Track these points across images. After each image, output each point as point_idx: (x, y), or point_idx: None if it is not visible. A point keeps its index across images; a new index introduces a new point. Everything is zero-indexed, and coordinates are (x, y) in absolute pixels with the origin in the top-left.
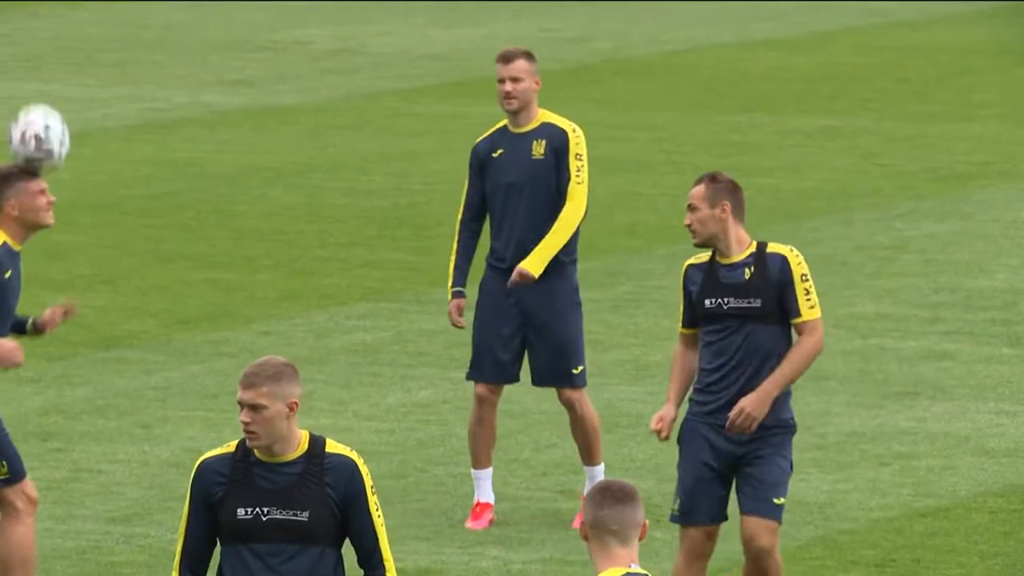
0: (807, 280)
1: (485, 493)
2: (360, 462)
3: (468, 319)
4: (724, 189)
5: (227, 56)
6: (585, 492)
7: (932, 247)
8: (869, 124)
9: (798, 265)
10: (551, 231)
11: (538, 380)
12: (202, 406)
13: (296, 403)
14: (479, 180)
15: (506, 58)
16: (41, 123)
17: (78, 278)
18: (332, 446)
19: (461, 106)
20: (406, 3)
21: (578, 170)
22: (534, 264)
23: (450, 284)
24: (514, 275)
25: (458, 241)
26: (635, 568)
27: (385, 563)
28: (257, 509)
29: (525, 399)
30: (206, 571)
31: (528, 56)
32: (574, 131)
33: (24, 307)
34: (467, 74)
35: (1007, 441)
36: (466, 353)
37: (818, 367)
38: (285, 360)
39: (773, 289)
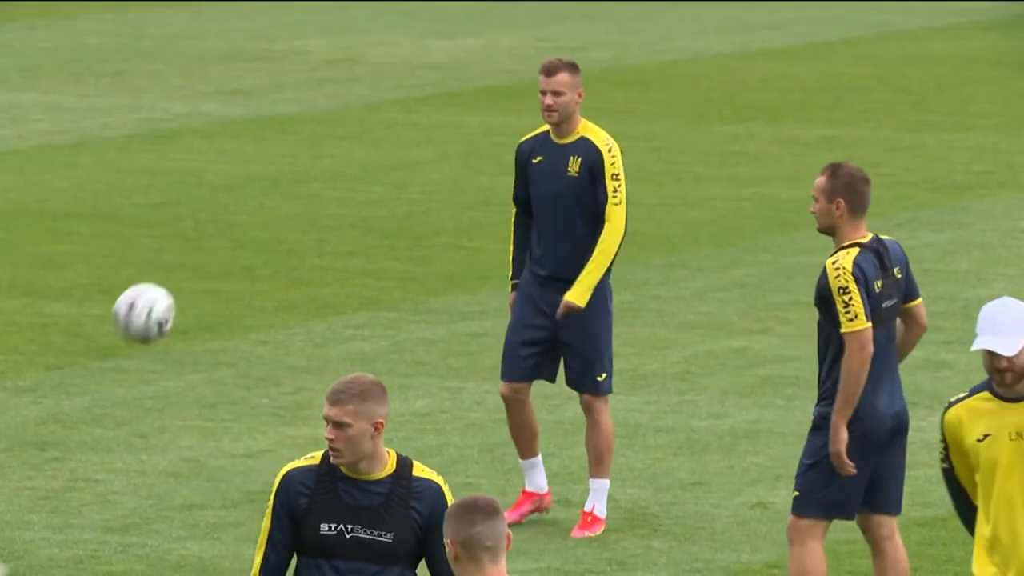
0: (844, 292)
1: (530, 482)
2: (446, 488)
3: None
4: (841, 186)
5: (226, 66)
6: (593, 507)
7: (930, 256)
8: (867, 134)
9: (835, 278)
10: (593, 257)
11: (568, 382)
12: (200, 416)
13: (382, 423)
14: (522, 179)
15: (548, 71)
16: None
17: (76, 287)
18: (419, 469)
19: (460, 116)
20: (405, 13)
21: (615, 190)
22: (579, 294)
23: (510, 277)
24: (561, 308)
25: (512, 237)
26: None
27: None
28: (341, 526)
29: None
30: None
31: (571, 68)
32: (609, 151)
33: (21, 316)
34: (466, 84)
35: None
36: (463, 363)
37: (815, 376)
38: (374, 378)
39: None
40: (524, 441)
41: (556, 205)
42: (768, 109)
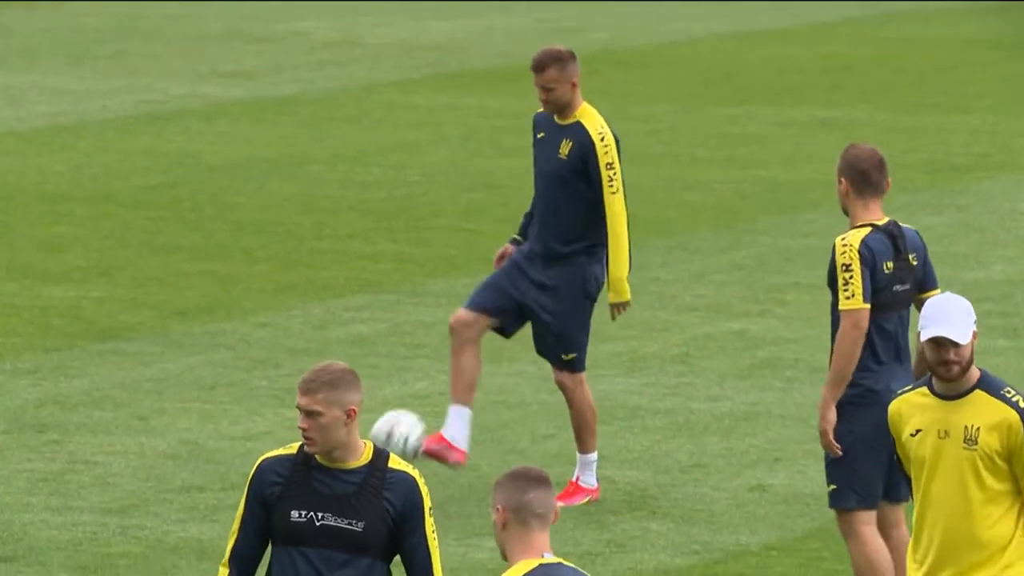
0: (846, 270)
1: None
2: (421, 481)
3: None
4: (845, 165)
5: (224, 47)
6: (577, 478)
7: (929, 239)
8: (866, 116)
9: (841, 254)
10: (611, 254)
11: (539, 350)
12: (199, 398)
13: (355, 410)
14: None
15: (537, 68)
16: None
17: (74, 270)
18: (395, 461)
19: (458, 97)
20: None
21: (610, 180)
22: (619, 289)
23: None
24: (618, 312)
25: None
26: (549, 557)
27: None
28: (311, 513)
29: (522, 390)
30: (254, 572)
31: (559, 62)
32: (602, 139)
33: (20, 298)
34: (464, 65)
35: None
36: None
37: (814, 359)
38: (345, 366)
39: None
40: (456, 382)
41: (546, 184)
42: (767, 91)
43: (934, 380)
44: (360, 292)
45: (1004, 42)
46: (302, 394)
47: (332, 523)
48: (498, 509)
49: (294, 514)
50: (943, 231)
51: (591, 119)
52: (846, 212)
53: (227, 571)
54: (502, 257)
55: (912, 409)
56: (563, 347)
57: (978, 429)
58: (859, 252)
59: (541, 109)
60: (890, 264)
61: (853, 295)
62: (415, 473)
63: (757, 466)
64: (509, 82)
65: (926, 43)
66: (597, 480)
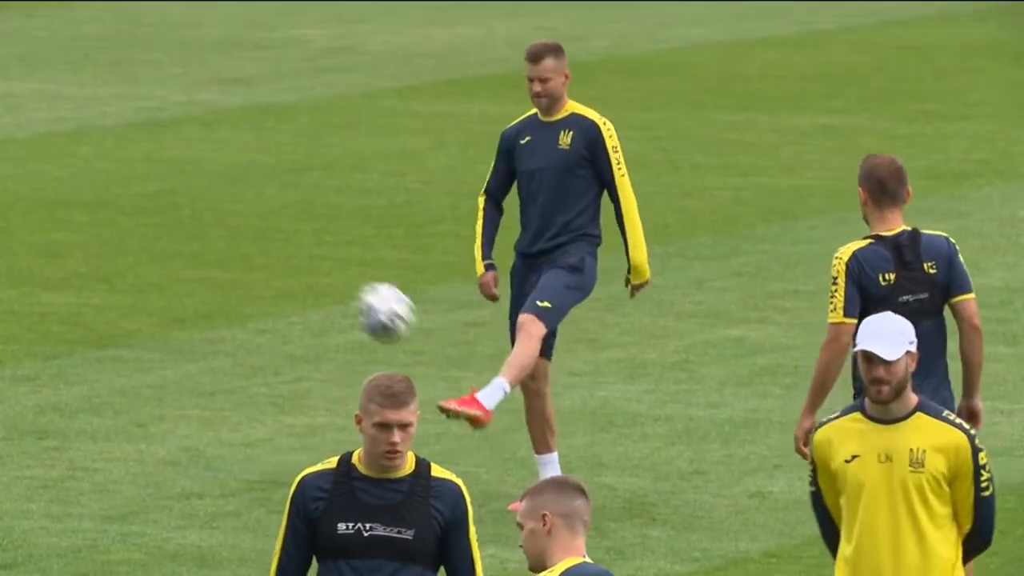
0: (833, 283)
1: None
2: (465, 489)
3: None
4: (863, 175)
5: (224, 54)
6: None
7: None
8: (866, 123)
9: (832, 267)
10: (628, 237)
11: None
12: (198, 404)
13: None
14: (504, 165)
15: (534, 57)
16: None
17: (74, 276)
18: (437, 470)
19: (458, 104)
20: (403, 2)
21: (618, 162)
22: (640, 271)
23: (479, 258)
24: (638, 288)
25: (481, 222)
26: (589, 559)
27: None
28: (359, 524)
29: (520, 397)
30: None
31: (555, 52)
32: (604, 124)
33: (19, 305)
34: (464, 72)
35: (1002, 440)
36: (461, 352)
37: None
38: (402, 374)
39: None
40: (538, 433)
41: (540, 181)
42: (766, 98)
43: (867, 404)
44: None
45: (1003, 49)
46: (394, 408)
47: (381, 533)
48: (544, 516)
49: (341, 526)
50: None
51: (586, 110)
52: (866, 222)
53: None
54: (495, 283)
55: (843, 435)
56: (540, 295)
57: (924, 451)
58: (846, 265)
59: (514, 122)
60: (890, 276)
61: (835, 308)
62: (459, 481)
63: (757, 473)
64: (509, 89)
65: (925, 50)
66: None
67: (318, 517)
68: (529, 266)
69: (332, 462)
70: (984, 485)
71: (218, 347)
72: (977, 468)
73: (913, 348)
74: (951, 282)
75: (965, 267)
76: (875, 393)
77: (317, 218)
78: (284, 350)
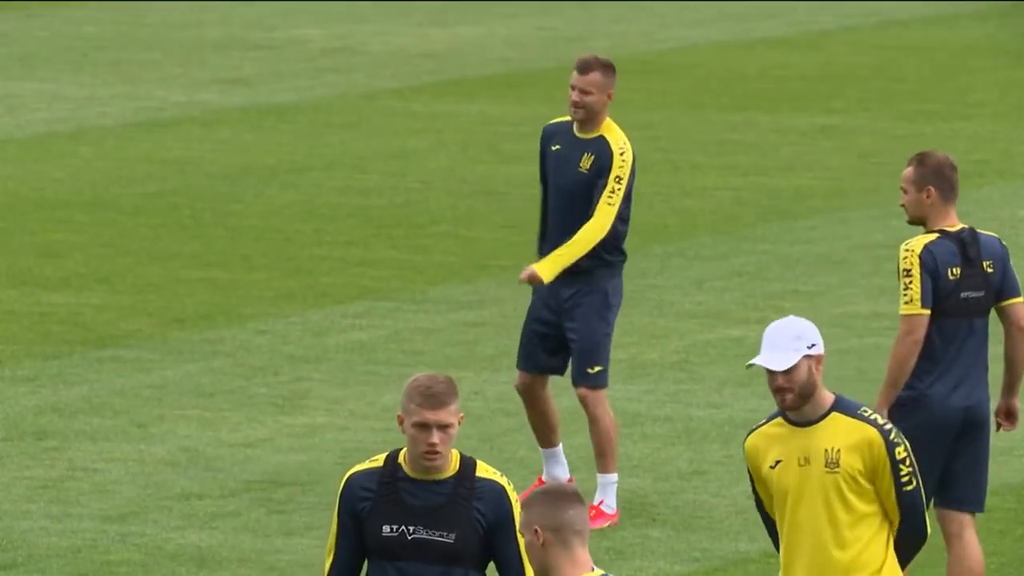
0: (907, 275)
1: (546, 472)
2: (510, 488)
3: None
4: (931, 173)
5: (224, 54)
6: (601, 502)
7: None
8: (865, 123)
9: (903, 259)
10: (570, 241)
11: (573, 372)
12: (198, 405)
13: (463, 417)
14: (543, 162)
15: (583, 68)
16: None
17: (74, 276)
18: (483, 469)
19: (457, 104)
20: (403, 2)
21: (612, 192)
22: (546, 269)
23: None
24: (525, 272)
25: (541, 211)
26: (597, 570)
27: None
28: (402, 527)
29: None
30: None
31: (606, 69)
32: (621, 154)
33: (19, 305)
34: (464, 73)
35: (1001, 440)
36: (461, 352)
37: None
38: (442, 374)
39: None
40: (540, 432)
41: (566, 198)
42: (766, 98)
43: (777, 405)
44: (359, 299)
45: (1003, 49)
46: (432, 408)
47: (424, 536)
48: (535, 530)
49: (385, 528)
50: None
51: (614, 134)
52: (920, 221)
53: None
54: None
55: (768, 442)
56: (588, 360)
57: (839, 451)
58: (920, 257)
59: (557, 120)
60: (956, 270)
61: (912, 300)
62: (504, 481)
63: None
64: (509, 89)
65: (925, 50)
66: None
67: (365, 517)
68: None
69: (379, 460)
70: (905, 479)
71: (218, 347)
72: (895, 463)
73: (815, 351)
74: (1004, 285)
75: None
76: (779, 402)
77: (317, 218)
78: (284, 350)
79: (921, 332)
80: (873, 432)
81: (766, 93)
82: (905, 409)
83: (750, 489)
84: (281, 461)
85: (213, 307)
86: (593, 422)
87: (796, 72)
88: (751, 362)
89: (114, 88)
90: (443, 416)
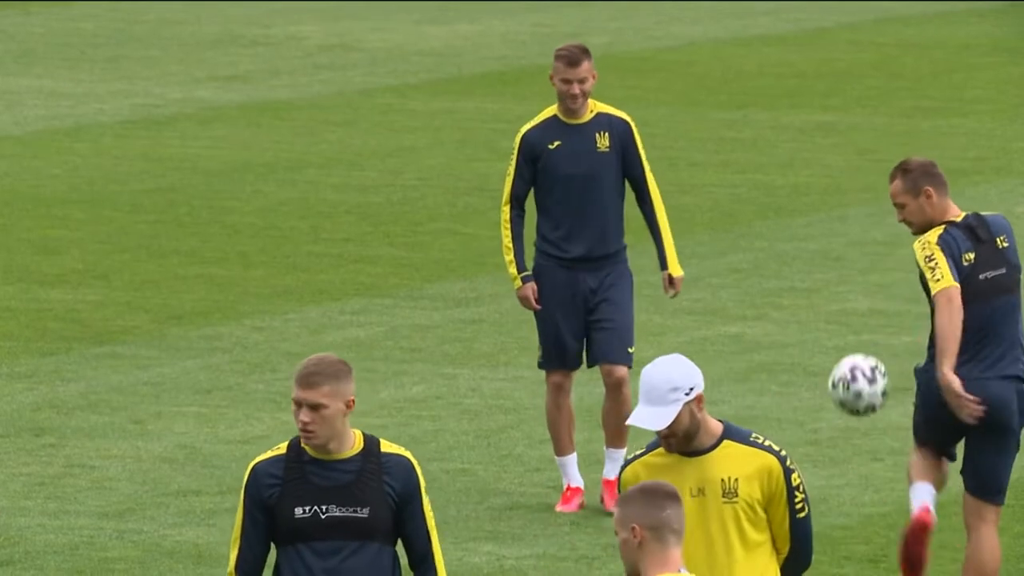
0: (929, 260)
1: (574, 478)
2: (415, 462)
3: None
4: (921, 175)
5: (221, 51)
6: (610, 475)
7: None
8: (863, 120)
9: (921, 251)
10: (663, 227)
11: (598, 357)
12: (195, 401)
13: (353, 400)
14: (530, 171)
15: (572, 61)
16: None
17: (71, 273)
18: (387, 445)
19: (454, 102)
20: (401, 1)
21: (646, 159)
22: (678, 265)
23: (516, 272)
24: (678, 285)
25: (512, 231)
26: (685, 572)
27: (437, 564)
28: (315, 507)
29: (519, 395)
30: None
31: (588, 54)
32: (632, 122)
33: (17, 302)
34: (461, 70)
35: None
36: (458, 349)
37: (810, 363)
38: (338, 357)
39: None
40: (568, 433)
41: (586, 184)
42: (764, 95)
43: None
44: (356, 296)
45: (1001, 46)
46: (304, 388)
47: (338, 514)
48: (633, 528)
49: (298, 511)
50: None
51: (610, 107)
52: (928, 226)
53: None
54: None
55: (651, 472)
56: (627, 340)
57: (736, 480)
58: (937, 243)
59: (533, 123)
60: (970, 255)
61: (942, 276)
62: (409, 454)
63: None
64: (506, 86)
65: (923, 47)
66: None
67: (274, 504)
68: (566, 268)
69: (282, 448)
70: (799, 507)
71: (215, 344)
72: (791, 490)
73: (694, 393)
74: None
75: None
76: (666, 446)
77: (314, 215)
78: (281, 347)
79: (958, 300)
80: (771, 459)
81: (764, 90)
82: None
83: None
84: None
85: (210, 304)
86: (625, 401)
87: (794, 69)
88: (629, 422)
89: (111, 85)
90: (311, 396)
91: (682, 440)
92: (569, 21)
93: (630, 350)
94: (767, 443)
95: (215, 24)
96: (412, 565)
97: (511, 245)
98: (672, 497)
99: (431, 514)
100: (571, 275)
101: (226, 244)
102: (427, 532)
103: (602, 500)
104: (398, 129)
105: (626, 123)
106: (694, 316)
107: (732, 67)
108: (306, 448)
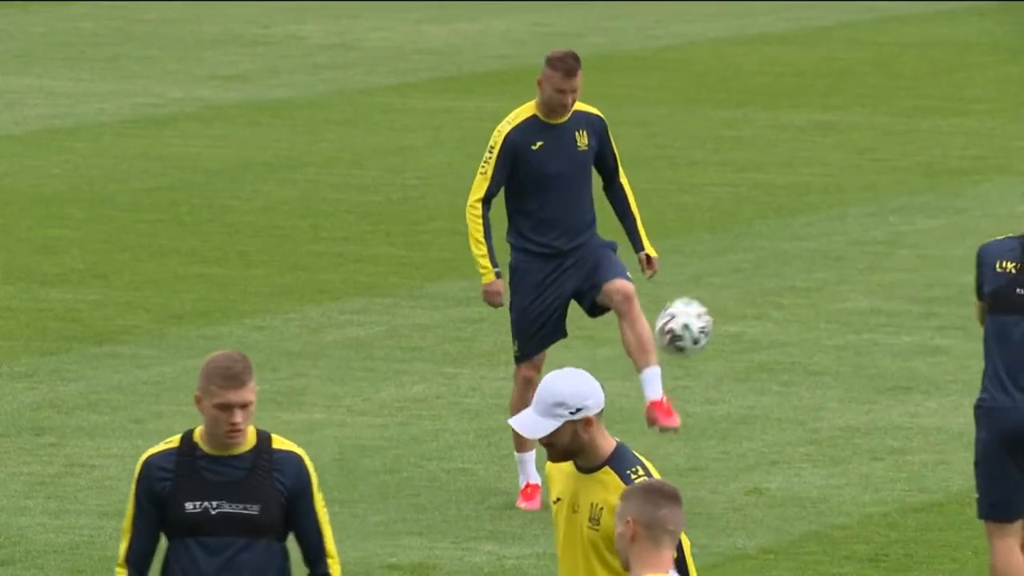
0: None
1: (532, 475)
2: (306, 457)
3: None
4: None
5: (221, 51)
6: (660, 395)
7: (926, 242)
8: (863, 119)
9: None
10: (635, 210)
11: (600, 282)
12: None
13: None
14: (508, 170)
15: (570, 72)
16: (680, 323)
17: (71, 272)
18: (278, 441)
19: (455, 101)
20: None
21: (619, 159)
22: (650, 247)
23: (490, 265)
24: (655, 265)
25: (483, 226)
26: (674, 575)
27: (330, 557)
28: (206, 503)
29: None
30: (149, 568)
31: (580, 62)
32: (604, 117)
33: (17, 301)
34: (461, 69)
35: None
36: (459, 348)
37: (811, 362)
38: (238, 352)
39: None
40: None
41: (568, 181)
42: (763, 94)
43: None
44: (357, 295)
45: (1001, 45)
46: (236, 388)
47: (228, 510)
48: (628, 521)
49: (188, 506)
50: (940, 234)
51: (584, 104)
52: None
53: (125, 572)
54: (497, 293)
55: (558, 475)
56: (624, 267)
57: (602, 509)
58: (977, 254)
59: (514, 123)
60: (1008, 264)
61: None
62: (300, 451)
63: (754, 469)
64: (506, 85)
65: (923, 46)
66: None
67: (165, 497)
68: (547, 259)
69: (174, 441)
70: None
71: (215, 343)
72: None
73: (582, 415)
74: None
75: None
76: (548, 455)
77: (314, 214)
78: (281, 346)
79: (978, 322)
80: None
81: (763, 89)
82: (977, 419)
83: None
84: None
85: (211, 303)
86: (637, 317)
87: (794, 68)
88: (509, 421)
89: (111, 84)
90: (244, 395)
91: (561, 454)
92: (569, 20)
93: (628, 274)
94: (638, 480)
95: (215, 24)
96: (307, 561)
97: (483, 240)
98: (672, 498)
99: (324, 509)
100: (554, 263)
101: (226, 243)
102: (319, 528)
103: (655, 421)
104: (398, 128)
105: (601, 120)
106: None
107: (732, 66)
108: (199, 443)
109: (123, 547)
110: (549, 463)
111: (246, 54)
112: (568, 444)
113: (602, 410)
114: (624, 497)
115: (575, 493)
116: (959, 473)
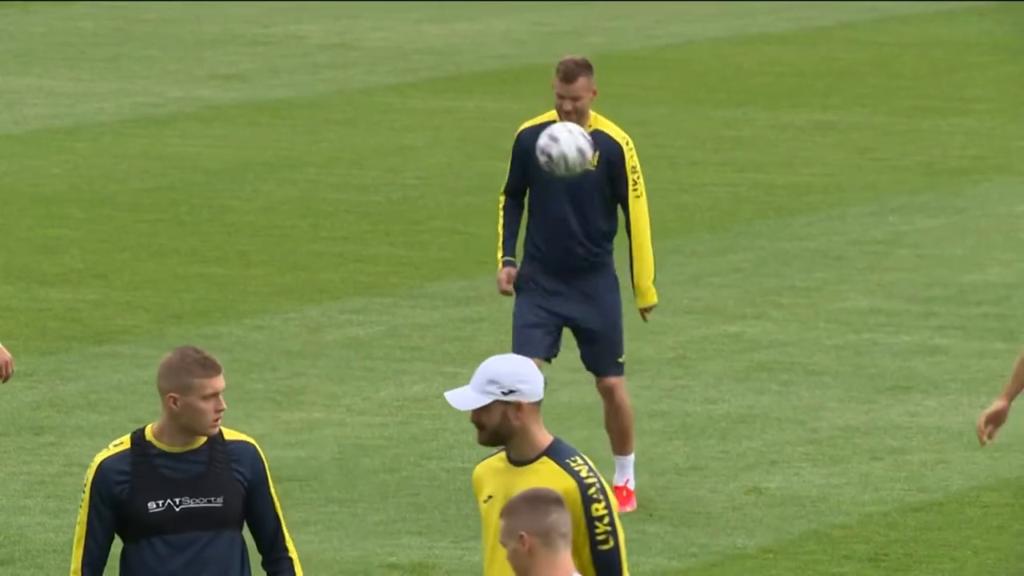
0: None
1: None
2: (259, 446)
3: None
4: None
5: (220, 51)
6: (623, 480)
7: (925, 242)
8: (863, 119)
9: None
10: (635, 261)
11: (588, 367)
12: None
13: None
14: (521, 168)
15: (568, 77)
16: (558, 151)
17: (71, 272)
18: (229, 433)
19: (455, 100)
20: None
21: (635, 183)
22: (647, 297)
23: (500, 256)
24: (645, 315)
25: (505, 218)
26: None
27: (288, 545)
28: (169, 500)
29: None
30: (103, 571)
31: (587, 70)
32: (627, 144)
33: (16, 301)
34: (461, 69)
35: (1000, 435)
36: (458, 348)
37: (810, 361)
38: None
39: None
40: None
41: (574, 189)
42: (763, 94)
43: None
44: (356, 295)
45: (1001, 45)
46: (217, 374)
47: (193, 505)
48: (521, 536)
49: (151, 505)
50: (940, 234)
51: (610, 126)
52: None
53: None
54: (510, 280)
55: (488, 474)
56: (617, 350)
57: None
58: None
59: (533, 123)
60: None
61: None
62: (253, 441)
63: (754, 469)
64: (506, 85)
65: (923, 46)
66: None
67: (124, 500)
68: (546, 273)
69: (125, 442)
70: (602, 538)
71: (215, 343)
72: (591, 519)
73: (514, 398)
74: None
75: None
76: (478, 438)
77: (314, 214)
78: (281, 346)
79: None
80: (572, 484)
81: (763, 89)
82: None
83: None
84: (278, 457)
85: (210, 303)
86: (620, 408)
87: (793, 68)
88: (446, 393)
89: (111, 84)
90: (222, 381)
91: (489, 437)
92: (569, 20)
93: (620, 360)
94: (578, 468)
95: (215, 23)
96: (263, 549)
97: (502, 231)
98: (556, 502)
99: (277, 497)
100: (553, 280)
101: (226, 243)
102: (276, 514)
103: None
104: (398, 128)
105: (619, 146)
106: (694, 315)
107: (732, 66)
108: (152, 441)
109: (78, 554)
110: (477, 468)
111: (246, 54)
112: (497, 426)
113: (539, 401)
114: (507, 513)
115: (508, 487)
116: (959, 473)
